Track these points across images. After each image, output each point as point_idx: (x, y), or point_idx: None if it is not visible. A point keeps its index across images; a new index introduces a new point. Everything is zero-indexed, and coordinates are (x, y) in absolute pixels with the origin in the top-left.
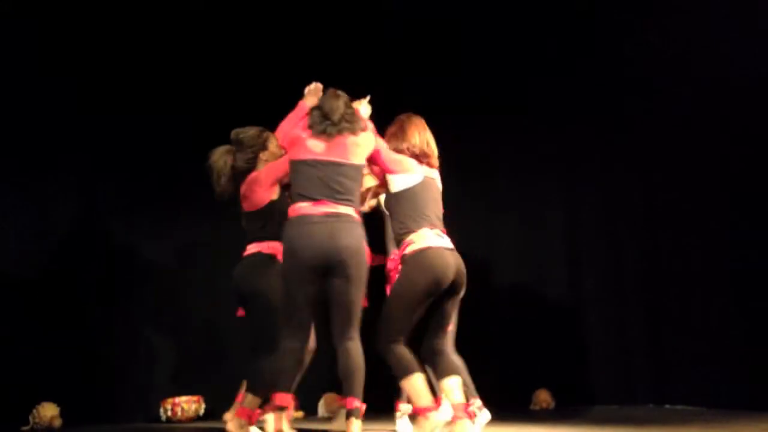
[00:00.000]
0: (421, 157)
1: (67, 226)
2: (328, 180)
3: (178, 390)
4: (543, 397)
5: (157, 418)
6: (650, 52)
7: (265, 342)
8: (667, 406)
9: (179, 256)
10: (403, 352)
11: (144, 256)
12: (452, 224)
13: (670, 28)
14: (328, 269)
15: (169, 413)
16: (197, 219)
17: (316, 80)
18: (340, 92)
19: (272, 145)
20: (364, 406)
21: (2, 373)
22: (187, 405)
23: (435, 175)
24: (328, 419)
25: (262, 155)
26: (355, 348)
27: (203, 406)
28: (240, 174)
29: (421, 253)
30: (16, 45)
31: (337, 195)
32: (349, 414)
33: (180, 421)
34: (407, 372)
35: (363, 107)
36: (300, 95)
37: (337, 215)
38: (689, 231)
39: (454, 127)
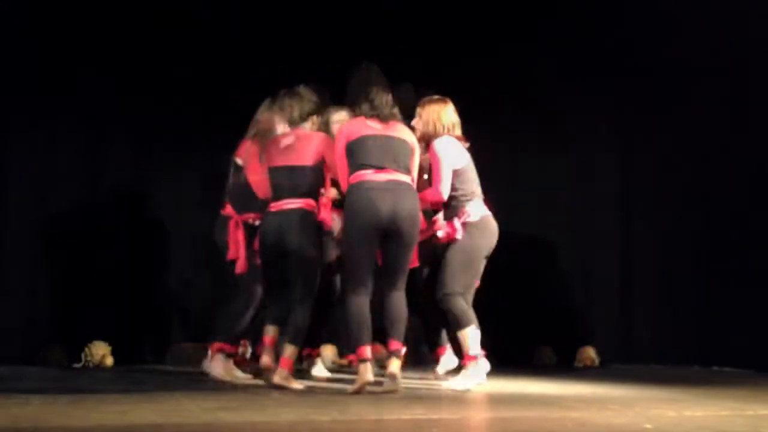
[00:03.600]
0: None
1: (120, 170)
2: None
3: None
4: (588, 354)
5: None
6: None
7: (303, 293)
8: (715, 367)
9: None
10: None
11: (197, 202)
12: (500, 180)
13: None
14: (387, 233)
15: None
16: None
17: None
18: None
19: (327, 117)
20: (404, 349)
21: (57, 313)
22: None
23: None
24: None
25: (314, 117)
26: (401, 297)
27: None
28: (293, 121)
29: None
30: None
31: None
32: (392, 354)
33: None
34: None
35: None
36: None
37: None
38: (747, 187)
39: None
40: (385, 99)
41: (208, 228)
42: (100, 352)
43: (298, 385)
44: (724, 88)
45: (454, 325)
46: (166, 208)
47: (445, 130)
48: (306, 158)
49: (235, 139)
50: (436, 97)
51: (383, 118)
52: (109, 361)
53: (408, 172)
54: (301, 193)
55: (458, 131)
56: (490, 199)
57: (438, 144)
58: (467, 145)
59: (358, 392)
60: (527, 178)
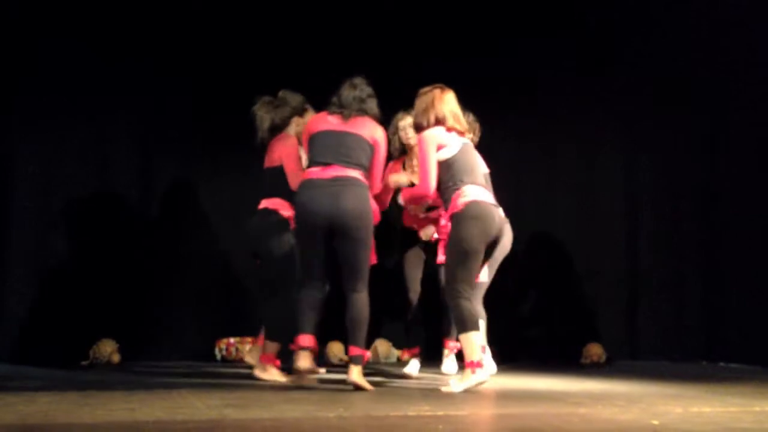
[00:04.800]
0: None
1: (125, 168)
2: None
3: (233, 330)
4: (594, 351)
5: (212, 358)
6: None
7: (276, 291)
8: (722, 363)
9: (235, 200)
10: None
11: (201, 199)
12: (507, 178)
13: None
14: (332, 231)
15: (224, 353)
16: (251, 164)
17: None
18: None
19: (308, 117)
20: (367, 354)
21: (64, 311)
22: (242, 345)
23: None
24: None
25: (297, 119)
26: (359, 300)
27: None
28: (275, 128)
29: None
30: None
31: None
32: (351, 360)
33: (234, 361)
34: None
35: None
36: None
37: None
38: (750, 184)
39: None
40: (353, 94)
41: (212, 225)
42: (108, 349)
43: (280, 377)
44: (727, 86)
45: (459, 327)
46: (174, 206)
47: (434, 122)
48: (271, 160)
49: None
50: (433, 86)
51: (346, 114)
52: (117, 358)
53: (362, 168)
54: (267, 194)
55: (453, 122)
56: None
57: (422, 137)
58: (470, 136)
59: (298, 384)
60: (532, 177)
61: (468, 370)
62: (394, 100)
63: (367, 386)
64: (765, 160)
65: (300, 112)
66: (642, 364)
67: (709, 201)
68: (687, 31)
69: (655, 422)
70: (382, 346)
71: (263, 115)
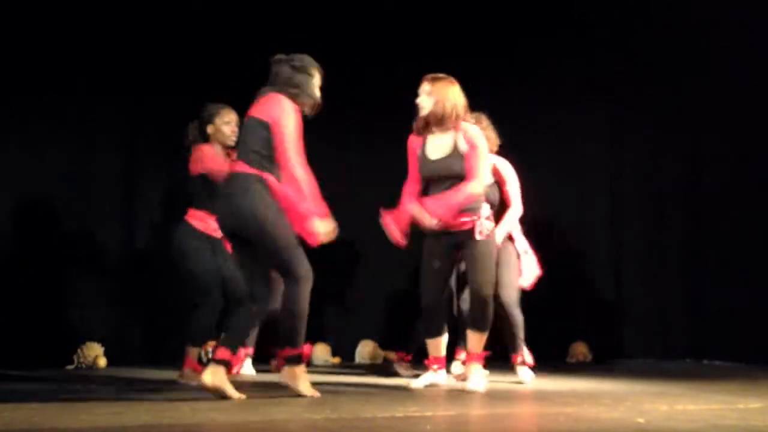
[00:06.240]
0: None
1: (108, 176)
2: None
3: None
4: (580, 350)
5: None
6: None
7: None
8: (705, 361)
9: None
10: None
11: (185, 203)
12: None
13: None
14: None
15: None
16: None
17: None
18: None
19: (218, 120)
20: (306, 353)
21: (49, 314)
22: None
23: None
24: (367, 366)
25: (208, 128)
26: (288, 293)
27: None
28: (193, 142)
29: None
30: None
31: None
32: (286, 361)
33: None
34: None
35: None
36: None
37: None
38: (734, 182)
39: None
40: (291, 64)
41: None
42: (93, 353)
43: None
44: (713, 85)
45: (485, 325)
46: (159, 209)
47: (465, 115)
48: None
49: None
50: (446, 76)
51: (262, 92)
52: (102, 362)
53: (254, 156)
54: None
55: None
56: None
57: (479, 131)
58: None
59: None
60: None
61: (481, 366)
62: (394, 99)
63: (304, 391)
64: (753, 157)
65: (209, 121)
66: (627, 362)
67: (694, 200)
68: (684, 29)
69: (641, 420)
70: (366, 347)
71: (191, 137)
